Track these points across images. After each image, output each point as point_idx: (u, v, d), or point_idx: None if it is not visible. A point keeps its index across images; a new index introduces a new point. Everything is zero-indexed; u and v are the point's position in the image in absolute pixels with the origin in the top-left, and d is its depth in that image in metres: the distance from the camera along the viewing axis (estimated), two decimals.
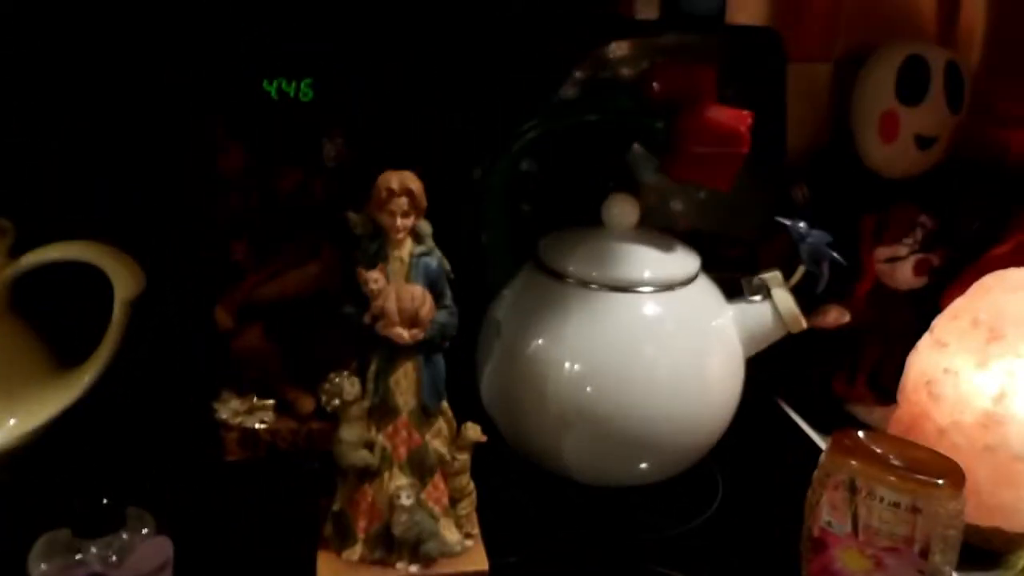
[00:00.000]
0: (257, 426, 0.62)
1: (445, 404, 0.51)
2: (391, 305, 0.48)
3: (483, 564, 0.51)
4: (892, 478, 0.43)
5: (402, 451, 0.50)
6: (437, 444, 0.51)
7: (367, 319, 0.49)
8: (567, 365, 0.58)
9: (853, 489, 0.44)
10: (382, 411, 0.50)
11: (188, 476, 0.60)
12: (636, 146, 0.74)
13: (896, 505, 0.43)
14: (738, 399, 0.62)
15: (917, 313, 0.68)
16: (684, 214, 0.75)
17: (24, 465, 0.60)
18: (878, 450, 0.44)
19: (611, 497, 0.61)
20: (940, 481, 0.42)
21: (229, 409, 0.62)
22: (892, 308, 0.73)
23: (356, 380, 0.50)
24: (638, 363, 0.58)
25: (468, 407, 0.53)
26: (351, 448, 0.49)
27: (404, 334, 0.48)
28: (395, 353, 0.49)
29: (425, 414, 0.50)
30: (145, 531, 0.47)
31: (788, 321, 0.60)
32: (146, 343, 0.60)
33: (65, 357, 0.61)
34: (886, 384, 0.71)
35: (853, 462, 0.43)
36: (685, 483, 0.62)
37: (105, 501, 0.46)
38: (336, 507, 0.51)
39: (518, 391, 0.60)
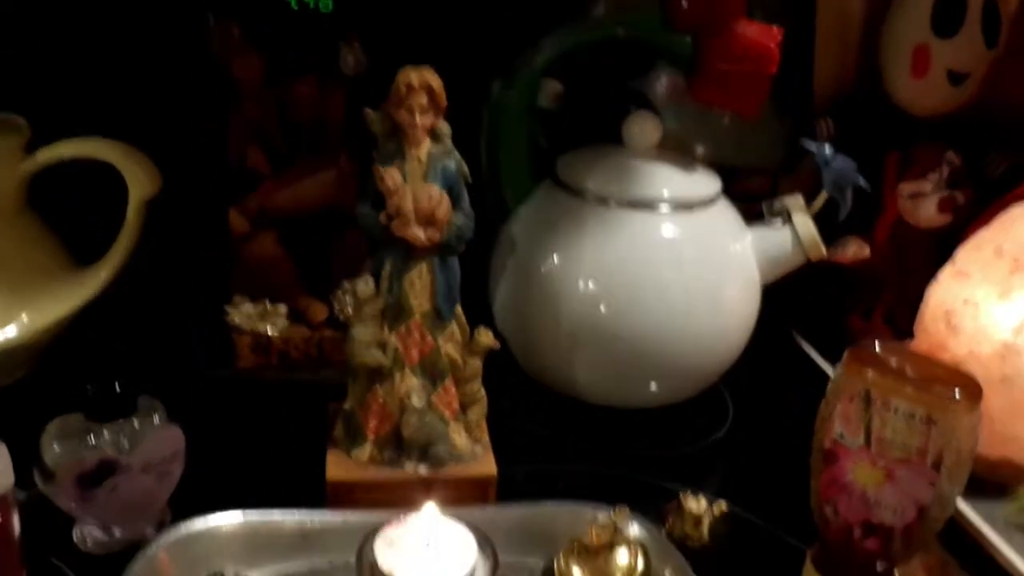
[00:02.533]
0: (269, 332, 0.62)
1: (459, 309, 0.51)
2: (407, 204, 0.48)
3: (491, 470, 0.51)
4: (908, 389, 0.42)
5: (414, 353, 0.50)
6: (449, 348, 0.51)
7: (383, 219, 0.48)
8: (581, 283, 0.58)
9: (868, 400, 0.43)
10: (395, 312, 0.50)
11: (200, 377, 0.61)
12: (658, 82, 0.73)
13: (911, 416, 0.42)
14: (752, 325, 0.62)
15: (938, 253, 0.67)
16: (704, 147, 0.74)
17: (40, 361, 0.60)
18: (894, 362, 0.43)
19: (621, 418, 0.61)
20: (957, 393, 0.42)
21: (242, 314, 0.62)
22: (912, 246, 0.72)
23: (370, 280, 0.49)
24: (653, 283, 0.58)
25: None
26: (363, 347, 0.49)
27: (420, 234, 0.48)
28: (410, 254, 0.49)
29: (439, 318, 0.50)
30: (156, 420, 0.48)
31: (808, 247, 0.60)
32: (161, 243, 0.60)
33: (81, 255, 0.61)
34: (902, 322, 0.70)
35: (869, 373, 0.43)
36: (695, 407, 0.62)
37: (117, 387, 0.46)
38: (347, 407, 0.51)
39: (531, 308, 0.60)
